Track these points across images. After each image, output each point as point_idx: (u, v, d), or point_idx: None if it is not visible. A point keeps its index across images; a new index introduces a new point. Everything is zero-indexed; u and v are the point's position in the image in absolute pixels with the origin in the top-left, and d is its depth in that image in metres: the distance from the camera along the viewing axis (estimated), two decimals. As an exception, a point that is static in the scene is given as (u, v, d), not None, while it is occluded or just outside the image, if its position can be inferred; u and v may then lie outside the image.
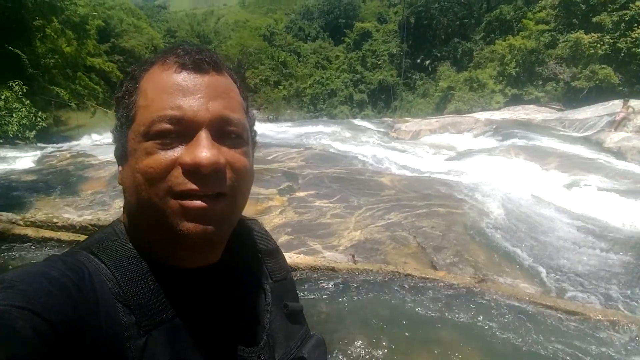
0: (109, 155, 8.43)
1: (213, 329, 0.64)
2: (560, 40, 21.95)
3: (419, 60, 35.91)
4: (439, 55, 34.35)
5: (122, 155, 0.64)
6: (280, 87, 36.36)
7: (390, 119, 21.96)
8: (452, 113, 23.06)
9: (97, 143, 13.91)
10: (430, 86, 32.54)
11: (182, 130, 0.58)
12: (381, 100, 35.13)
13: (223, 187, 0.59)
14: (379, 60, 35.92)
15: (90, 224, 3.96)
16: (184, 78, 0.60)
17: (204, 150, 0.57)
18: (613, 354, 2.88)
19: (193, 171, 0.57)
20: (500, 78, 25.50)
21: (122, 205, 0.69)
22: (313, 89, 35.61)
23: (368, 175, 7.90)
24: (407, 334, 2.94)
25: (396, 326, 2.94)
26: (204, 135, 0.58)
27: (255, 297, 0.74)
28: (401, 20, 36.29)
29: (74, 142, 14.53)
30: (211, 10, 68.29)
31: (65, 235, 4.00)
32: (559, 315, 3.13)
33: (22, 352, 0.42)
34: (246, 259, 0.77)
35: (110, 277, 0.58)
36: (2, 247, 4.89)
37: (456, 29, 34.48)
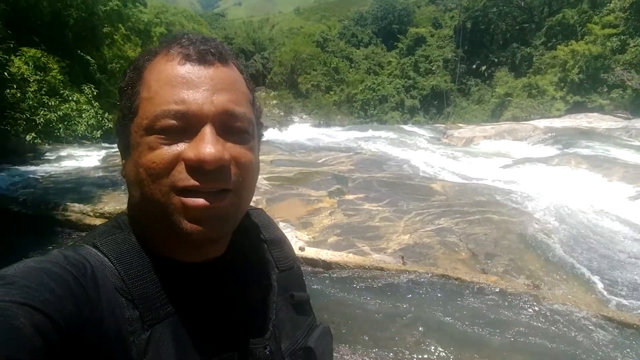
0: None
1: (218, 322, 0.64)
2: (631, 45, 20.62)
3: (474, 66, 34.91)
4: (496, 60, 33.24)
5: (125, 147, 0.63)
6: (332, 93, 36.61)
7: (443, 125, 21.53)
8: (509, 120, 22.24)
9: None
10: (486, 92, 31.53)
11: (186, 125, 0.57)
12: (433, 107, 34.45)
13: (227, 184, 0.58)
14: (432, 66, 35.29)
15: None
16: (188, 70, 0.59)
17: (208, 146, 0.56)
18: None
19: (196, 167, 0.56)
20: (562, 84, 24.29)
21: None
22: (364, 95, 35.54)
23: (418, 181, 7.84)
24: (455, 337, 2.93)
25: (445, 329, 2.93)
26: (208, 131, 0.57)
27: (261, 288, 0.73)
28: (457, 25, 35.46)
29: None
30: (267, 18, 70.10)
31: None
32: (616, 327, 2.99)
33: (23, 349, 0.41)
34: (251, 249, 0.76)
35: (113, 271, 0.58)
36: (73, 236, 5.34)
37: (515, 34, 33.23)
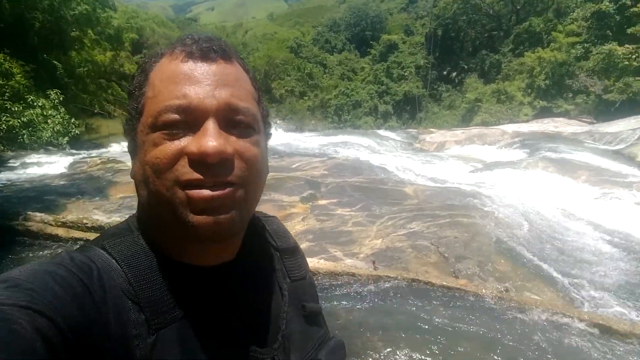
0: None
1: (225, 329, 0.63)
2: (593, 53, 21.44)
3: (445, 72, 35.65)
4: (466, 67, 34.02)
5: (133, 149, 0.63)
6: (306, 98, 36.66)
7: (415, 130, 21.83)
8: (479, 125, 22.73)
9: (125, 150, 14.28)
10: (457, 98, 32.21)
11: (189, 120, 0.57)
12: (406, 112, 34.95)
13: (231, 177, 0.58)
14: (404, 72, 35.82)
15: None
16: (191, 67, 0.59)
17: (210, 139, 0.55)
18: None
19: (199, 161, 0.56)
20: (529, 90, 25.01)
21: None
22: (338, 100, 35.74)
23: (391, 185, 7.88)
24: (425, 341, 2.92)
25: (415, 333, 2.92)
26: (211, 124, 0.57)
27: (271, 297, 0.72)
28: (428, 33, 36.16)
29: (104, 149, 14.98)
30: (240, 23, 69.80)
31: (94, 236, 4.12)
32: (585, 327, 3.05)
33: (23, 352, 0.41)
34: (263, 257, 0.75)
35: (120, 274, 0.57)
36: (34, 247, 5.12)
37: (484, 41, 34.10)
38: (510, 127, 18.78)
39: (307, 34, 52.84)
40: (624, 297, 4.21)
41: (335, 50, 46.79)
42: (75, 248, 0.63)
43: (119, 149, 14.90)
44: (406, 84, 34.98)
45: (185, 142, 0.57)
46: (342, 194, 7.10)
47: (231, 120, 0.59)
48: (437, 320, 3.08)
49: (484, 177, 10.58)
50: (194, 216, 0.56)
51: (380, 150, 14.31)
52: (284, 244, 0.80)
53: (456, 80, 34.48)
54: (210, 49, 0.60)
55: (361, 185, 7.69)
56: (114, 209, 5.94)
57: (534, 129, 18.10)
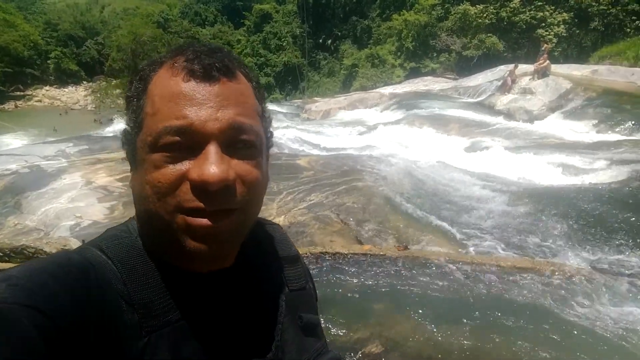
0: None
1: (219, 336, 0.62)
2: (452, 13, 23.43)
3: (321, 40, 36.21)
4: (339, 34, 34.91)
5: (132, 160, 0.62)
6: (182, 76, 34.75)
7: (300, 101, 22.04)
8: (358, 90, 23.70)
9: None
10: (335, 65, 33.10)
11: (190, 142, 0.56)
12: (288, 83, 35.04)
13: (232, 203, 0.57)
14: (282, 42, 35.66)
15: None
16: (192, 87, 0.57)
17: (212, 167, 0.54)
18: (528, 295, 3.21)
19: (201, 188, 0.55)
20: (399, 53, 26.67)
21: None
22: (217, 76, 34.53)
23: (285, 159, 7.89)
24: (343, 309, 3.01)
25: (330, 304, 2.99)
26: (212, 150, 0.56)
27: (268, 306, 0.71)
28: (299, 1, 36.21)
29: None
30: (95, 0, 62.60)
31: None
32: (477, 268, 3.41)
33: (24, 350, 0.42)
34: (263, 265, 0.74)
35: (116, 275, 0.57)
36: None
37: (353, 7, 35.16)
38: (386, 90, 19.92)
39: (173, 7, 49.54)
40: (499, 235, 4.79)
41: (207, 23, 44.70)
42: (75, 248, 0.63)
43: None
44: (285, 54, 34.92)
45: (187, 167, 0.56)
46: (236, 174, 6.92)
47: (234, 141, 0.58)
48: (347, 288, 3.19)
49: (370, 139, 11.15)
50: (192, 242, 0.56)
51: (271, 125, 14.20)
52: (285, 253, 0.79)
53: (332, 48, 35.31)
54: (212, 66, 0.58)
55: (255, 163, 7.56)
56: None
57: (407, 90, 19.43)
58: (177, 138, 0.56)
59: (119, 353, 0.53)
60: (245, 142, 0.59)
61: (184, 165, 0.56)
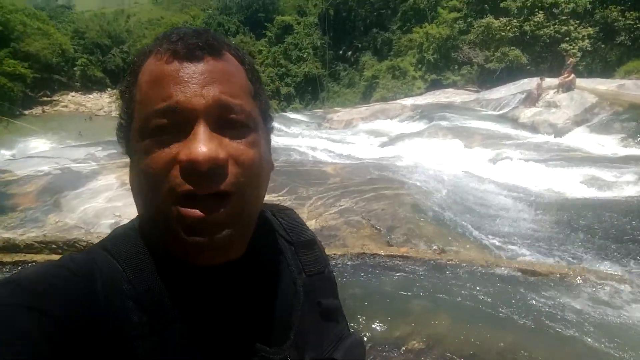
0: (28, 169, 7.80)
1: (232, 328, 0.60)
2: (474, 26, 23.47)
3: (341, 52, 36.55)
4: (359, 45, 35.19)
5: (129, 153, 0.61)
6: (204, 85, 35.36)
7: (322, 110, 22.23)
8: (378, 101, 23.81)
9: (9, 158, 12.65)
10: (355, 76, 33.31)
11: (178, 123, 0.54)
12: (308, 93, 35.36)
13: (225, 185, 0.54)
14: (303, 53, 36.11)
15: (36, 242, 3.66)
16: (176, 67, 0.55)
17: (200, 145, 0.52)
18: (562, 302, 3.25)
19: (190, 169, 0.52)
20: (420, 65, 26.76)
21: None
22: (238, 85, 35.03)
23: (310, 166, 8.01)
24: (380, 309, 3.09)
25: (371, 303, 3.08)
26: (201, 128, 0.54)
27: (284, 293, 0.67)
28: (321, 13, 36.67)
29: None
30: (121, 9, 64.31)
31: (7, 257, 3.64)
32: (512, 274, 3.46)
33: (28, 352, 0.42)
34: (274, 253, 0.71)
35: (122, 274, 0.56)
36: None
37: (374, 20, 35.43)
38: (408, 101, 19.96)
39: (197, 18, 50.57)
40: (530, 244, 4.82)
41: (229, 33, 45.39)
42: (81, 251, 0.65)
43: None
44: (305, 65, 35.30)
45: (177, 149, 0.53)
46: (265, 180, 7.06)
47: (224, 120, 0.56)
48: (387, 287, 3.28)
49: (394, 149, 11.20)
50: (187, 235, 0.54)
51: (294, 133, 14.39)
52: (299, 237, 0.76)
53: (352, 59, 35.56)
54: (196, 45, 0.56)
55: (281, 169, 7.70)
56: (17, 224, 5.30)
57: (428, 101, 19.44)
58: (165, 120, 0.54)
59: (127, 353, 0.52)
60: (235, 122, 0.57)
61: (173, 149, 0.54)
